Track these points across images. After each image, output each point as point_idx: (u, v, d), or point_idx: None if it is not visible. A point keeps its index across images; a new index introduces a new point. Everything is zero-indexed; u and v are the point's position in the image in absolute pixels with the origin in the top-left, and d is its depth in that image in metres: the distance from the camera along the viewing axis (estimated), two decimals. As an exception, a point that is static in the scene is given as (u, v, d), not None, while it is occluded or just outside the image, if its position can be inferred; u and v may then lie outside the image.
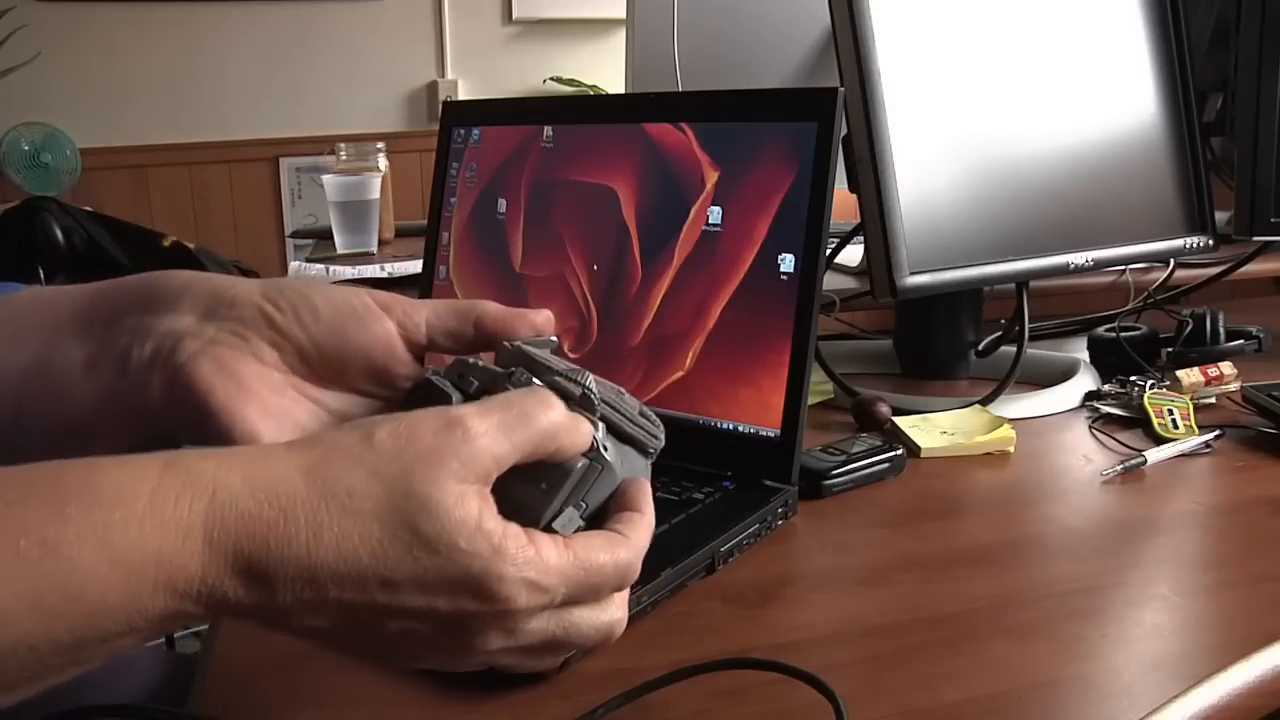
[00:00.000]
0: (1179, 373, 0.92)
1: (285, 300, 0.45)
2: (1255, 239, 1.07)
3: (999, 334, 1.02)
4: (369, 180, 1.65)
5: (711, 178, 0.73)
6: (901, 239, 0.83)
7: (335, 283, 1.50)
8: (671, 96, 0.99)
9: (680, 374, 0.73)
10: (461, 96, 3.37)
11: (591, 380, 0.44)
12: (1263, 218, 1.05)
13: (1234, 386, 0.93)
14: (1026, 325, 0.93)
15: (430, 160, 0.88)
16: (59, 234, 2.07)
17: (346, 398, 0.47)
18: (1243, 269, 1.22)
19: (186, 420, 0.43)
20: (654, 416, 0.47)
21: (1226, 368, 0.94)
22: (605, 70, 3.37)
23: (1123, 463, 0.77)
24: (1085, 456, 0.81)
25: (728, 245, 0.72)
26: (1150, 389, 0.89)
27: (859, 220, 0.85)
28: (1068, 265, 0.94)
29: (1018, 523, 0.70)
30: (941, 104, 0.88)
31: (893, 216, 0.82)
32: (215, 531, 0.35)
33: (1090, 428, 0.88)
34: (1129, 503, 0.73)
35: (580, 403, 0.44)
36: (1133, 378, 0.93)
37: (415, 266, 1.34)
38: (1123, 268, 1.23)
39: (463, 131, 0.86)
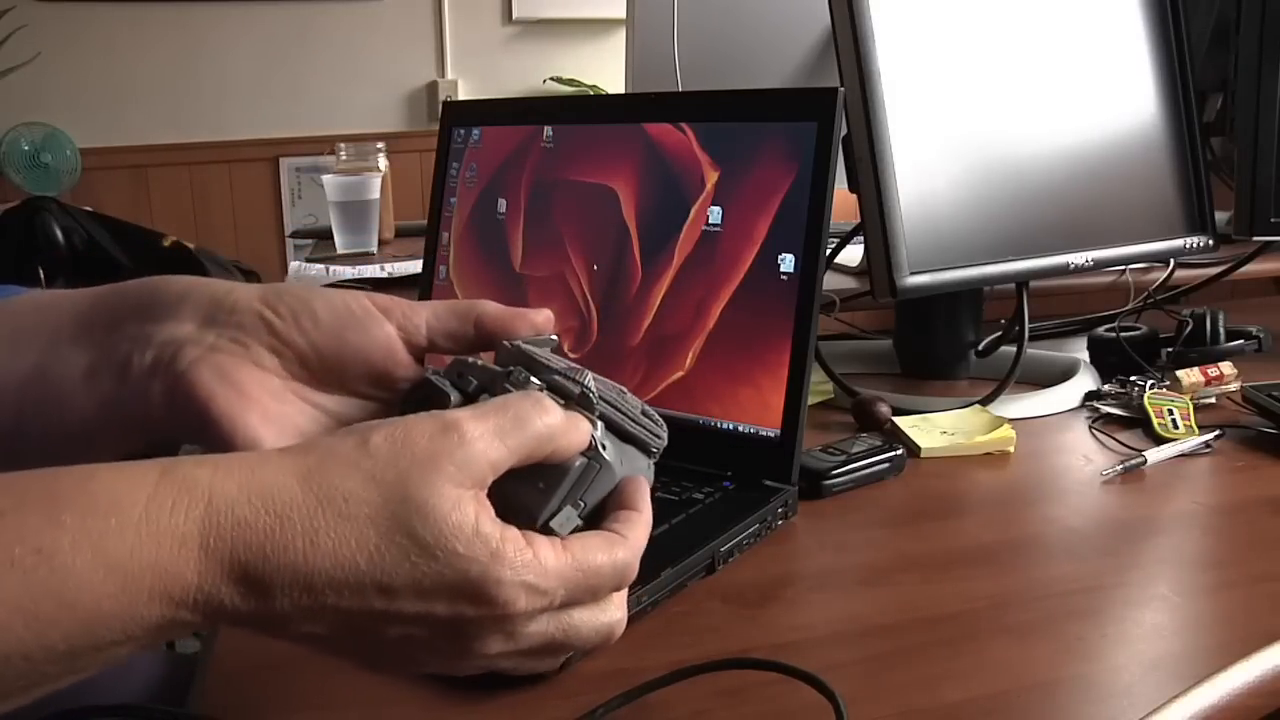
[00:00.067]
0: (1179, 373, 0.92)
1: (284, 306, 0.45)
2: (1255, 239, 1.07)
3: (999, 334, 1.02)
4: (369, 180, 1.65)
5: (711, 178, 0.73)
6: (901, 239, 0.83)
7: (335, 283, 1.50)
8: (671, 96, 0.99)
9: (680, 374, 0.73)
10: (461, 96, 3.37)
11: (590, 379, 0.44)
12: (1263, 218, 1.05)
13: (1234, 386, 0.93)
14: (1026, 325, 0.93)
15: (430, 160, 0.88)
16: (59, 234, 2.07)
17: (347, 401, 0.47)
18: (1243, 269, 1.22)
19: (188, 428, 0.44)
20: (656, 416, 0.47)
21: (1226, 368, 0.94)
22: (605, 70, 3.37)
23: (1123, 463, 0.77)
24: (1085, 456, 0.81)
25: (728, 245, 0.72)
26: (1150, 389, 0.89)
27: (859, 220, 0.85)
28: (1068, 265, 0.94)
29: (1018, 523, 0.70)
30: (941, 104, 0.88)
31: (893, 216, 0.82)
32: (211, 539, 0.35)
33: (1090, 428, 0.88)
34: (1129, 503, 0.73)
35: (579, 401, 0.44)
36: (1133, 378, 0.93)
37: (415, 266, 1.34)
38: (1123, 268, 1.23)
39: (463, 131, 0.86)
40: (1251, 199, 1.04)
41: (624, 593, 0.44)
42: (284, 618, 0.37)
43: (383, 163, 1.75)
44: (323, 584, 0.36)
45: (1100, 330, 1.05)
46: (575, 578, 0.41)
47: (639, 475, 0.46)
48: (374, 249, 1.66)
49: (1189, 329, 1.02)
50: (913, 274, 0.83)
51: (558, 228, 0.80)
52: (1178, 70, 1.04)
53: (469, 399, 0.44)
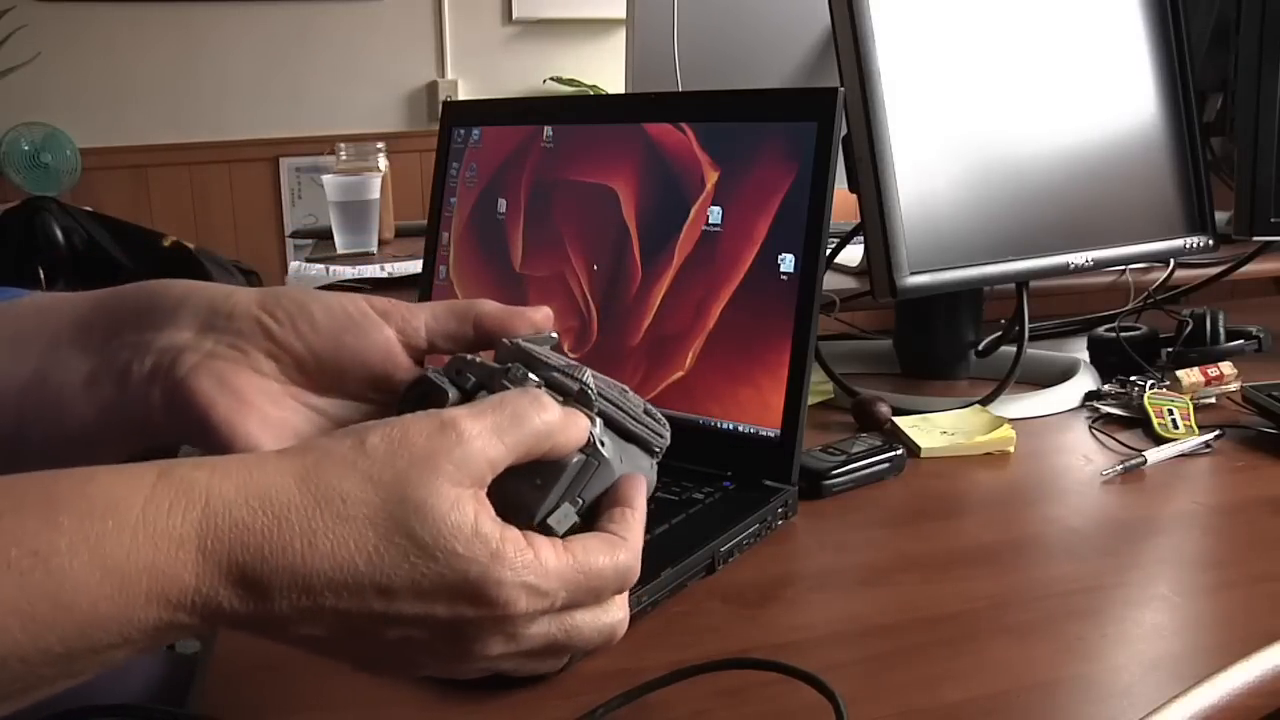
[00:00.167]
0: (1179, 373, 0.92)
1: (282, 311, 0.45)
2: (1255, 239, 1.07)
3: (999, 334, 1.02)
4: (369, 180, 1.65)
5: (711, 178, 0.73)
6: (901, 239, 0.83)
7: (335, 283, 1.50)
8: (671, 96, 0.99)
9: (680, 374, 0.73)
10: (461, 96, 3.37)
11: (589, 375, 0.44)
12: (1263, 218, 1.05)
13: (1234, 386, 0.93)
14: (1026, 325, 0.93)
15: (430, 160, 0.88)
16: (59, 234, 2.07)
17: (347, 404, 0.47)
18: (1243, 269, 1.22)
19: (188, 433, 0.44)
20: (659, 415, 0.47)
21: (1226, 368, 0.94)
22: (605, 70, 3.37)
23: (1123, 463, 0.77)
24: (1085, 456, 0.81)
25: (728, 245, 0.72)
26: (1150, 389, 0.89)
27: (859, 220, 0.85)
28: (1068, 265, 0.94)
29: (1018, 523, 0.70)
30: (941, 104, 0.88)
31: (893, 216, 0.82)
32: (209, 541, 0.35)
33: (1090, 428, 0.88)
34: (1129, 503, 0.73)
35: (577, 398, 0.44)
36: (1133, 378, 0.93)
37: (415, 266, 1.34)
38: (1123, 268, 1.23)
39: (463, 131, 0.86)
40: (1251, 199, 1.04)
41: (626, 594, 0.44)
42: (282, 619, 0.37)
43: (383, 163, 1.75)
44: (321, 585, 0.36)
45: (1100, 330, 1.05)
46: (577, 579, 0.40)
47: (639, 474, 0.46)
48: (374, 249, 1.66)
49: (1189, 329, 1.02)
50: (913, 274, 0.83)
51: (558, 228, 0.80)
52: (1178, 70, 1.04)
53: (467, 396, 0.44)
